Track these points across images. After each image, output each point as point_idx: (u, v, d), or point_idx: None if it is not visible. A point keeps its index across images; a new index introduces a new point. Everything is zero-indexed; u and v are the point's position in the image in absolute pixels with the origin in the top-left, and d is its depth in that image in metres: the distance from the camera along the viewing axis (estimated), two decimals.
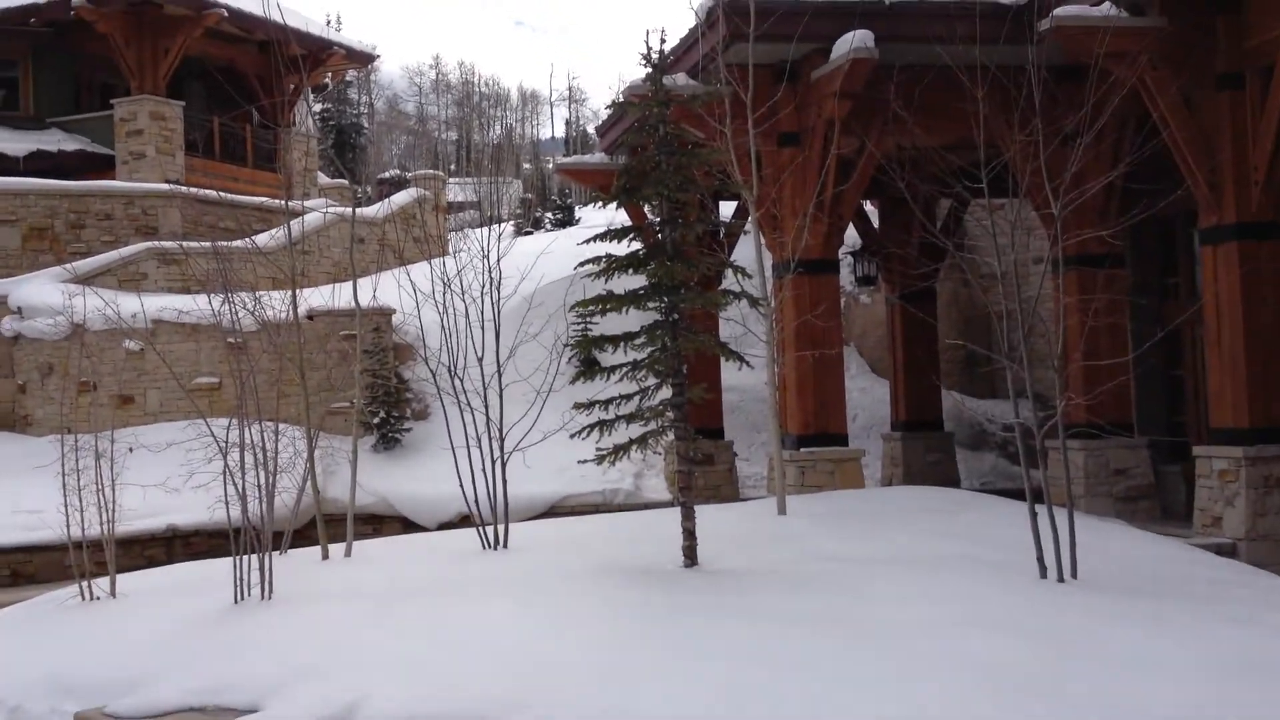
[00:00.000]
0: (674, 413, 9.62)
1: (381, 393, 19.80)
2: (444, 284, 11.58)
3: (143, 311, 14.45)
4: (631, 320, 12.03)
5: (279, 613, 8.60)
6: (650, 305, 9.78)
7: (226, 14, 27.84)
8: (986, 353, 10.28)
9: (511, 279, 11.82)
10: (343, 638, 7.80)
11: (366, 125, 64.12)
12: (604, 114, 31.44)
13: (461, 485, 11.20)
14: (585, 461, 9.95)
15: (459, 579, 9.23)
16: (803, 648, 6.77)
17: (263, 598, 9.09)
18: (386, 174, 50.67)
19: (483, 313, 11.45)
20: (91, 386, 17.97)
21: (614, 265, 9.76)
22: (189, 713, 7.26)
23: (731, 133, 11.98)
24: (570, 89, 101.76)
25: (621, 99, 13.67)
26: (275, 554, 10.26)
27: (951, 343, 14.94)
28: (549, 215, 48.97)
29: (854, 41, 12.93)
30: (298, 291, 12.09)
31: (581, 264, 9.95)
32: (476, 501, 11.14)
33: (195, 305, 13.72)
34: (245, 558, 9.26)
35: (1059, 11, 12.35)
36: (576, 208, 49.00)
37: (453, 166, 67.73)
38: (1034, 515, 8.63)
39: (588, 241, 10.26)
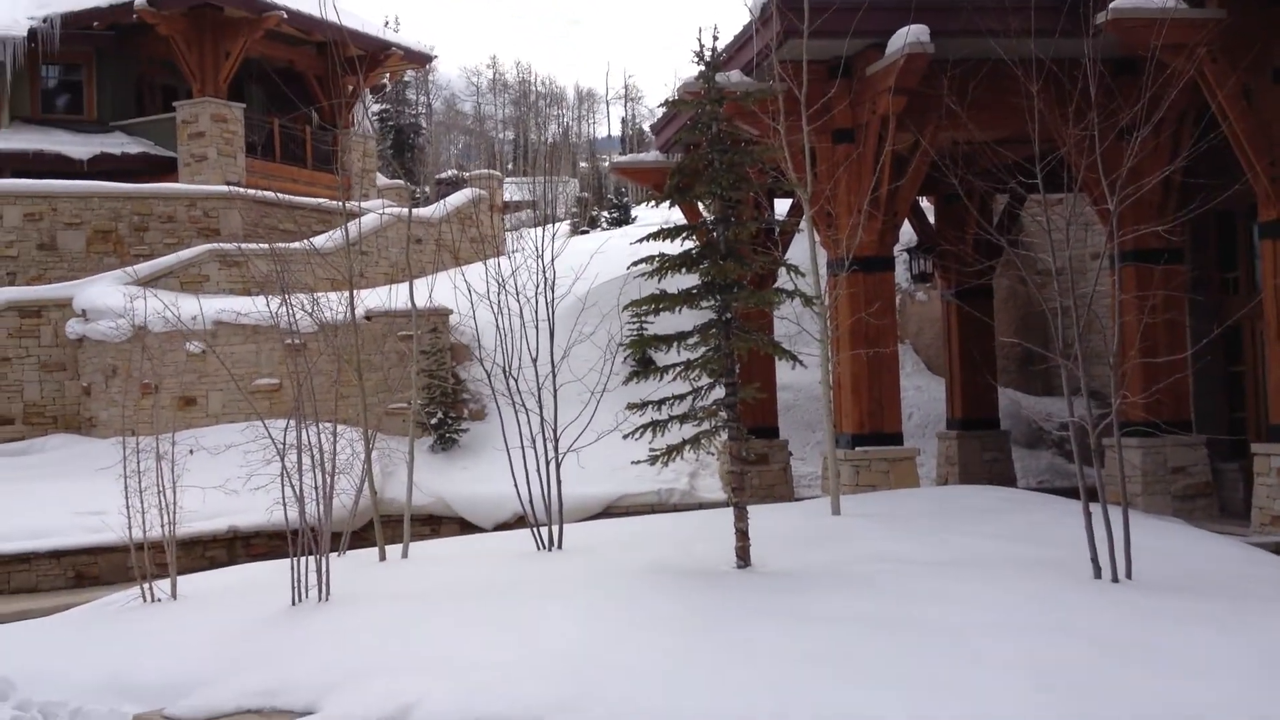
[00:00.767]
0: (726, 412, 9.61)
1: (438, 393, 19.94)
2: (498, 284, 11.65)
3: (202, 314, 14.64)
4: (685, 320, 12.04)
5: (336, 614, 8.70)
6: (703, 304, 9.77)
7: (286, 16, 28.14)
8: (1041, 351, 10.14)
9: (566, 279, 11.86)
10: (398, 639, 7.88)
11: (424, 125, 64.56)
12: (658, 112, 31.44)
13: (516, 486, 11.26)
14: (639, 462, 9.98)
15: (514, 580, 9.29)
16: (855, 650, 6.75)
17: (320, 599, 9.20)
18: (444, 174, 51.00)
19: (537, 313, 11.49)
20: (154, 388, 18.24)
21: (666, 264, 9.76)
22: (246, 714, 7.36)
23: (785, 130, 11.94)
24: (626, 87, 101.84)
25: (675, 97, 13.69)
26: (333, 555, 10.39)
27: (1006, 340, 14.79)
28: (605, 214, 49.06)
29: (909, 36, 12.84)
30: (355, 292, 12.21)
31: (634, 263, 9.94)
32: (531, 502, 11.20)
33: (255, 307, 13.91)
34: (303, 559, 9.36)
35: (1116, 4, 12.18)
36: (632, 206, 49.07)
37: (510, 166, 68.04)
38: (1088, 515, 8.54)
39: (640, 241, 10.26)
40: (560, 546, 10.72)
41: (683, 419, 9.61)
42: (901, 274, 21.46)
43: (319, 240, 19.81)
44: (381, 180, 35.33)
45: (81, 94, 30.14)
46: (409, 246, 12.72)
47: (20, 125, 28.93)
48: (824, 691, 6.30)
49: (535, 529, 10.88)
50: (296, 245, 17.34)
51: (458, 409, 20.41)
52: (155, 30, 28.01)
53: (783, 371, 17.24)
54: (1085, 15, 10.72)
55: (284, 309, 10.94)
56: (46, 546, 15.71)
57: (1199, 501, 13.85)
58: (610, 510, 17.75)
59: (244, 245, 18.21)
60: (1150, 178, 10.57)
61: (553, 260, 11.41)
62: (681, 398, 9.64)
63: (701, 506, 16.55)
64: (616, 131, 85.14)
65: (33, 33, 28.37)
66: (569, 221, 45.58)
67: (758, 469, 18.12)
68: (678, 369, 9.69)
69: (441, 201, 29.93)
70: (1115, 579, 8.39)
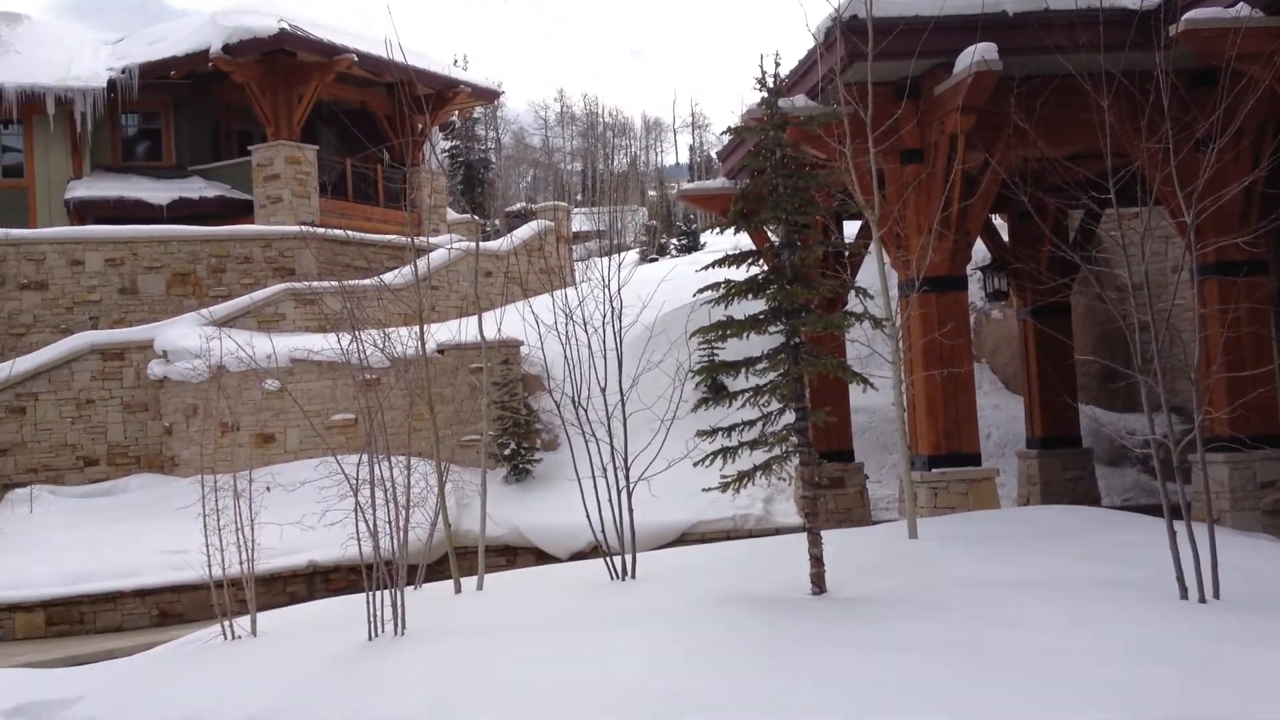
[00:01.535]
0: (797, 437, 9.50)
1: (511, 424, 20.03)
2: (565, 315, 11.67)
3: (275, 352, 14.85)
4: (754, 345, 11.98)
5: (411, 648, 8.70)
6: (771, 330, 9.69)
7: (356, 59, 28.67)
8: (1120, 367, 9.93)
9: (633, 307, 11.85)
10: (473, 672, 7.85)
11: (494, 160, 65.23)
12: (724, 139, 31.55)
13: (588, 516, 11.23)
14: (710, 489, 9.89)
15: (587, 611, 9.24)
16: (932, 679, 6.59)
17: (396, 634, 9.22)
18: (513, 207, 51.46)
19: (604, 342, 11.49)
20: (234, 426, 18.56)
21: (733, 290, 9.69)
22: None
23: (851, 152, 11.85)
24: (693, 115, 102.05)
25: (739, 124, 13.66)
26: (409, 589, 10.41)
27: (1083, 357, 14.55)
28: (674, 241, 49.15)
29: (976, 55, 12.70)
30: (426, 326, 12.31)
31: (700, 290, 9.90)
32: (603, 531, 11.16)
33: (328, 344, 14.10)
34: (378, 594, 9.40)
35: (1190, 14, 11.96)
36: (701, 233, 49.10)
37: (579, 197, 68.48)
38: (1173, 533, 8.30)
39: (706, 268, 10.22)
40: (634, 575, 10.66)
41: (753, 445, 9.52)
42: (976, 293, 21.23)
43: (389, 276, 20.05)
44: (451, 215, 35.72)
45: (160, 141, 30.91)
46: (476, 279, 12.75)
47: (101, 173, 29.73)
48: None
49: (608, 558, 10.83)
50: (367, 282, 17.52)
51: (531, 439, 20.49)
52: (230, 77, 28.67)
53: (856, 394, 17.08)
54: (1156, 27, 10.53)
55: (354, 345, 11.04)
56: (131, 585, 16.00)
57: None
58: (686, 537, 17.69)
59: (315, 284, 18.45)
60: (1227, 190, 10.31)
61: (619, 289, 11.40)
62: (751, 424, 9.56)
63: (778, 532, 16.44)
64: (685, 159, 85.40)
65: (112, 83, 29.18)
66: (638, 249, 45.72)
67: (833, 492, 17.95)
68: (747, 395, 9.61)
69: (510, 234, 30.18)
70: (1203, 599, 8.14)
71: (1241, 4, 11.85)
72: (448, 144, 53.72)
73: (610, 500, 11.09)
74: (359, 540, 9.64)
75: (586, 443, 11.16)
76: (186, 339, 20.71)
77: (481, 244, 29.66)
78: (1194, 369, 8.77)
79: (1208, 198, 9.29)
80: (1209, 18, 11.86)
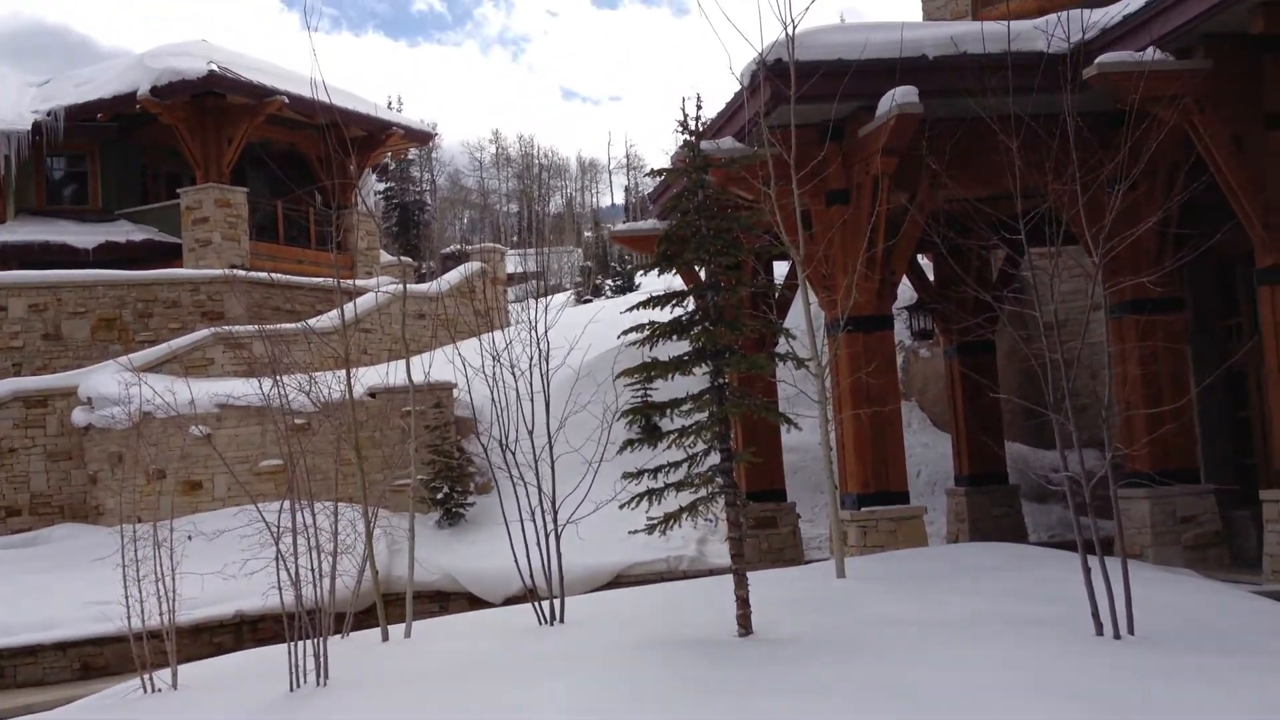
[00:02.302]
0: (722, 478, 9.54)
1: (443, 468, 19.89)
2: (493, 358, 11.64)
3: (193, 398, 14.67)
4: (681, 386, 12.00)
5: (332, 699, 8.59)
6: (697, 371, 9.73)
7: (287, 100, 28.51)
8: (1034, 406, 10.09)
9: (561, 350, 11.85)
10: None
11: (429, 202, 65.10)
12: (657, 180, 31.73)
13: (516, 560, 11.17)
14: (636, 531, 9.89)
15: (514, 657, 9.17)
16: None
17: (318, 684, 9.09)
18: (449, 249, 51.37)
19: (531, 385, 11.47)
20: (160, 474, 18.26)
21: (658, 332, 9.74)
22: None
23: (776, 193, 11.97)
24: (628, 156, 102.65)
25: (665, 166, 13.75)
26: (336, 637, 10.27)
27: (996, 395, 14.77)
28: (609, 282, 49.30)
29: (897, 98, 12.91)
30: (356, 370, 12.21)
31: (625, 331, 9.93)
32: (532, 576, 11.10)
33: (256, 389, 13.93)
34: (301, 643, 9.27)
35: (1103, 58, 12.26)
36: (634, 274, 49.28)
37: (514, 238, 68.49)
38: (1087, 570, 8.41)
39: (632, 309, 10.26)
40: (563, 620, 10.60)
41: (679, 486, 9.55)
42: (904, 332, 21.47)
43: (318, 320, 19.88)
44: (385, 257, 35.57)
45: (86, 184, 30.56)
46: (404, 323, 12.70)
47: (26, 217, 29.30)
48: None
49: (536, 603, 10.77)
50: (291, 326, 17.38)
51: (464, 483, 20.36)
52: (158, 119, 28.44)
53: (789, 434, 17.16)
54: (1063, 71, 10.79)
55: (280, 390, 10.92)
56: (52, 639, 15.65)
57: (1210, 551, 13.68)
58: (620, 579, 17.63)
59: (234, 328, 18.27)
60: (1134, 229, 10.54)
61: (545, 331, 11.41)
62: (678, 465, 9.59)
63: (711, 572, 16.41)
64: (620, 200, 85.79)
65: (37, 125, 28.84)
66: (573, 291, 45.77)
67: (765, 532, 18.00)
68: (673, 436, 9.63)
69: (442, 277, 30.11)
70: (1118, 635, 8.24)
71: (1151, 48, 12.16)
72: (382, 186, 53.58)
73: (540, 544, 11.04)
74: (280, 589, 9.51)
75: (514, 486, 11.12)
76: (110, 385, 20.37)
77: (413, 286, 29.55)
78: (1104, 406, 8.92)
79: (1115, 238, 9.47)
80: (1119, 61, 12.17)
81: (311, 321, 18.87)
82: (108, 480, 20.55)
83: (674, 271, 13.21)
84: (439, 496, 19.77)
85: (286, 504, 9.95)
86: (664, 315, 9.82)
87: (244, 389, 18.24)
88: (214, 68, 27.68)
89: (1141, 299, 13.33)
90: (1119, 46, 12.47)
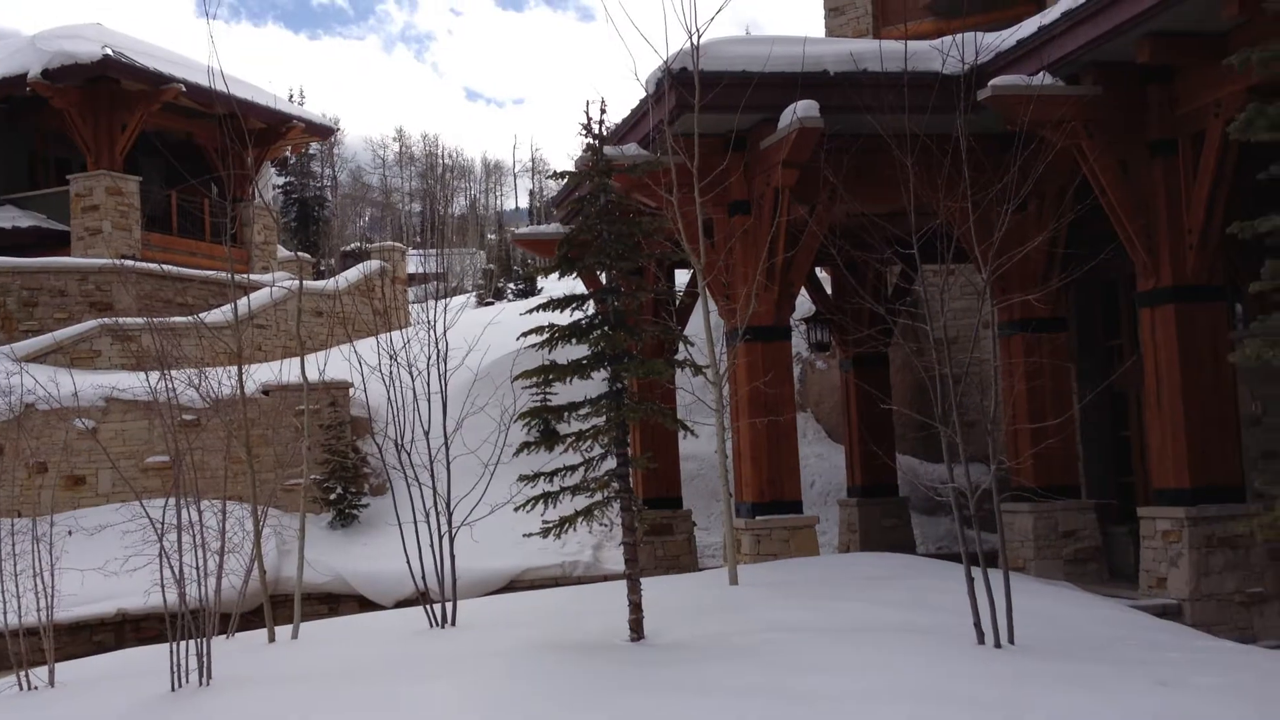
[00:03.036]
0: (618, 483, 9.57)
1: (338, 468, 19.65)
2: (390, 357, 11.54)
3: (81, 390, 14.31)
4: (589, 388, 12.03)
5: (214, 698, 8.44)
6: (594, 375, 9.76)
7: (184, 89, 27.91)
8: (923, 418, 10.32)
9: (460, 351, 11.80)
10: None
11: (329, 198, 64.20)
12: (560, 184, 31.74)
13: (409, 562, 11.09)
14: (531, 535, 9.88)
15: (403, 659, 9.10)
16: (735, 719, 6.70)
17: (200, 684, 8.93)
18: (350, 246, 50.74)
19: (428, 385, 11.40)
20: (41, 468, 17.78)
21: (557, 335, 9.74)
22: None
23: (679, 201, 12.05)
24: (534, 159, 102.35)
25: (564, 170, 13.77)
26: (221, 638, 10.10)
27: (887, 407, 15.06)
28: (511, 285, 49.11)
29: (799, 111, 13.09)
30: (249, 367, 12.02)
31: (524, 334, 9.91)
32: (425, 578, 11.03)
33: (145, 383, 13.62)
34: (184, 643, 9.09)
35: (996, 81, 12.58)
36: (536, 277, 49.15)
37: (417, 238, 67.87)
38: (970, 581, 8.62)
39: (532, 311, 10.26)
40: (454, 623, 10.55)
41: (574, 490, 9.56)
42: (801, 343, 21.73)
43: (211, 315, 19.51)
44: (283, 253, 35.02)
45: None
46: (299, 319, 12.53)
47: None
48: None
49: (428, 606, 10.71)
50: (182, 319, 17.05)
51: (358, 483, 20.13)
52: (49, 103, 27.64)
53: (687, 442, 17.26)
54: (957, 92, 11.05)
55: (169, 384, 10.70)
56: None
57: (1089, 565, 14.09)
58: (515, 584, 17.59)
59: (123, 320, 17.86)
60: (1021, 249, 10.81)
61: (445, 332, 11.35)
62: (575, 469, 9.60)
63: (606, 578, 16.47)
64: (525, 203, 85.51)
65: None
66: (475, 293, 45.52)
67: (661, 539, 18.10)
68: (570, 440, 9.64)
69: (341, 274, 29.73)
70: (998, 644, 8.46)
71: (1043, 73, 12.51)
72: (281, 180, 52.75)
73: (434, 546, 10.97)
74: (163, 587, 9.32)
75: (409, 487, 11.04)
76: None
77: (311, 283, 29.14)
78: (990, 420, 9.15)
79: (1002, 257, 9.72)
80: (1012, 84, 12.50)
81: (204, 315, 18.52)
82: None
83: (575, 275, 13.30)
84: (332, 497, 19.53)
85: (172, 501, 9.76)
86: (564, 318, 9.83)
87: (131, 382, 17.86)
88: (109, 52, 26.99)
89: (1028, 318, 13.70)
90: (1013, 70, 12.80)
